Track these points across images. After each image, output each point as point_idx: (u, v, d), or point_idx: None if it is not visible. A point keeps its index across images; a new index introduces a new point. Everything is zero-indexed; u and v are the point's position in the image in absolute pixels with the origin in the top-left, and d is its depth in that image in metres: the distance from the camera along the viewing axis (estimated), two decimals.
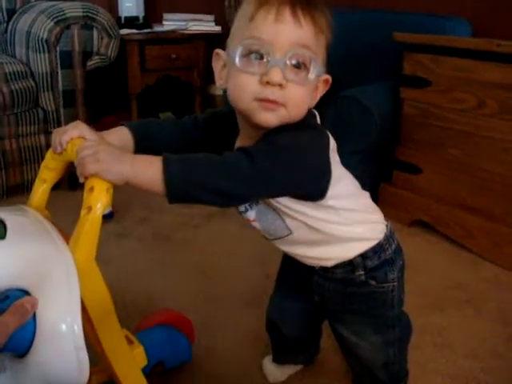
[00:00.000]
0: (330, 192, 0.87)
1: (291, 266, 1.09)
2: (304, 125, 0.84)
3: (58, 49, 2.15)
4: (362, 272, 0.97)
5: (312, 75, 0.80)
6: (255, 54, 0.78)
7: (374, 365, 1.11)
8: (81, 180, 0.73)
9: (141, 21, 2.87)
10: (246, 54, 0.79)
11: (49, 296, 0.68)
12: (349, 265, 0.97)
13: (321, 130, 0.87)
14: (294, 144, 0.80)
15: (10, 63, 2.14)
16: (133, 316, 1.36)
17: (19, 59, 2.25)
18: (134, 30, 2.76)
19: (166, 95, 3.09)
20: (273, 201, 0.88)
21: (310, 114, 0.86)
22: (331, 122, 2.10)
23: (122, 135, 0.89)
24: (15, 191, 2.23)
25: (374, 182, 2.18)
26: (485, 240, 1.85)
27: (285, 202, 0.87)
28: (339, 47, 2.56)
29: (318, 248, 0.96)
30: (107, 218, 2.08)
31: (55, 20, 2.11)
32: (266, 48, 0.77)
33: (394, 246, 1.01)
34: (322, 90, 0.88)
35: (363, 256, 0.97)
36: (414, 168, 2.04)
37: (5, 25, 2.43)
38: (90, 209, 0.71)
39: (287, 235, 0.93)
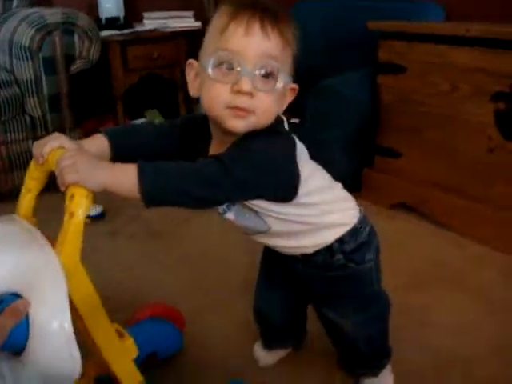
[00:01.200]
0: (301, 191, 0.93)
1: (272, 257, 1.15)
2: (273, 131, 0.89)
3: (40, 55, 2.19)
4: (341, 256, 1.04)
5: (280, 84, 0.85)
6: (226, 65, 0.83)
7: (358, 342, 1.18)
8: (61, 189, 0.78)
9: (121, 21, 2.89)
10: (218, 65, 0.84)
11: (39, 297, 0.73)
12: (328, 250, 1.03)
13: (288, 134, 0.93)
14: (265, 150, 0.86)
15: None
16: (126, 310, 1.42)
17: (3, 67, 2.28)
18: (116, 31, 2.79)
19: (149, 93, 3.12)
20: (248, 203, 0.93)
21: (277, 120, 0.92)
22: (311, 113, 2.16)
23: (99, 143, 0.94)
24: (7, 197, 2.27)
25: (356, 168, 2.24)
26: (465, 219, 1.91)
27: (259, 203, 0.93)
28: (318, 37, 2.62)
29: (298, 237, 1.02)
30: (99, 217, 2.13)
31: (36, 27, 2.14)
32: (236, 59, 0.82)
33: (368, 229, 1.07)
34: (289, 98, 0.93)
35: (340, 241, 1.03)
36: (394, 152, 2.10)
37: None
38: (72, 214, 0.76)
39: (266, 230, 0.99)
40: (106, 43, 2.59)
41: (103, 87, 2.80)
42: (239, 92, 0.82)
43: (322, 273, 1.07)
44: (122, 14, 2.94)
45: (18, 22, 2.22)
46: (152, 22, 2.99)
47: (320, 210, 1.00)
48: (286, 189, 0.92)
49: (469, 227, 1.91)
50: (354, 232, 1.04)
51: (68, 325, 0.72)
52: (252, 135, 0.87)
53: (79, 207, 0.76)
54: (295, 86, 0.92)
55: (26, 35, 2.14)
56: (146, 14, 3.03)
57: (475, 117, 1.81)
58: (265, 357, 1.34)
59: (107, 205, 2.18)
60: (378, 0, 2.42)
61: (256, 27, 0.82)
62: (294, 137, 0.94)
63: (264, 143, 0.86)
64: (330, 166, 2.15)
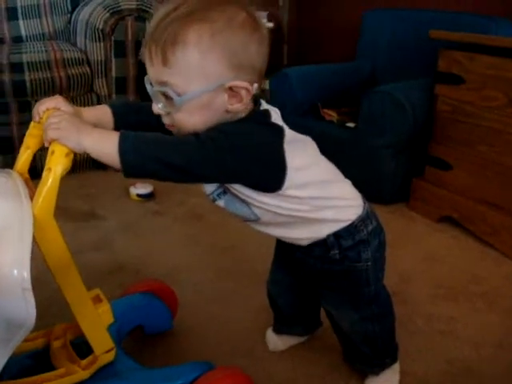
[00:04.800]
0: (289, 183, 0.92)
1: (280, 245, 1.17)
2: (251, 120, 0.91)
3: (112, 38, 2.31)
4: (337, 251, 1.03)
5: (177, 103, 0.85)
6: None
7: (356, 339, 1.18)
8: (46, 144, 0.82)
9: None
10: None
11: (5, 244, 0.75)
12: (324, 245, 1.03)
13: (270, 124, 0.91)
14: (238, 132, 0.87)
15: (69, 50, 2.33)
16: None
17: (79, 47, 2.43)
18: None
19: None
20: (236, 191, 0.93)
21: (259, 113, 0.92)
22: (365, 117, 2.16)
23: (101, 112, 0.98)
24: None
25: (406, 177, 2.21)
26: (509, 238, 1.85)
27: (247, 193, 0.93)
28: (385, 45, 2.61)
29: (289, 229, 1.02)
30: (148, 197, 2.22)
31: (111, 11, 2.27)
32: (148, 85, 0.90)
33: (370, 228, 1.05)
34: (245, 95, 0.88)
35: (337, 236, 1.02)
36: (446, 164, 2.06)
37: (69, 15, 2.63)
38: (50, 170, 0.79)
39: (256, 220, 1.00)
40: None
41: None
42: None
43: (318, 264, 1.06)
44: None
45: (96, 5, 2.36)
46: None
47: (313, 206, 0.98)
48: (263, 175, 0.90)
49: None
50: (351, 229, 1.02)
51: (27, 274, 0.74)
52: (229, 122, 0.89)
53: (57, 164, 0.79)
54: (235, 83, 0.86)
55: (100, 18, 2.27)
56: None
57: None
58: (275, 341, 1.36)
59: (158, 187, 2.27)
60: (447, 12, 2.39)
61: (147, 55, 0.86)
62: (284, 127, 0.93)
63: (239, 128, 0.88)
64: (379, 173, 2.17)
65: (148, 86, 0.89)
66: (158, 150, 0.82)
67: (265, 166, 0.89)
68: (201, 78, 0.84)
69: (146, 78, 0.90)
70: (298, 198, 0.95)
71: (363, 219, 1.04)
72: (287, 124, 0.96)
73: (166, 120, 0.90)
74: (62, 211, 2.04)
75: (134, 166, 0.81)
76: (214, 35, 0.83)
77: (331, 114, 2.43)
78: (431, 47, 2.11)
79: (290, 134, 0.93)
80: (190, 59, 0.83)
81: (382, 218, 1.12)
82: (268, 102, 0.98)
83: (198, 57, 0.83)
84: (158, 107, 0.88)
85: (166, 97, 0.86)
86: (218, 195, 0.98)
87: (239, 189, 0.92)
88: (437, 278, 1.73)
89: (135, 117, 1.00)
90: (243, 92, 0.87)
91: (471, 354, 1.38)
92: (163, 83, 0.85)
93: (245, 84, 0.86)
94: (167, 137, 0.86)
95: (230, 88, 0.86)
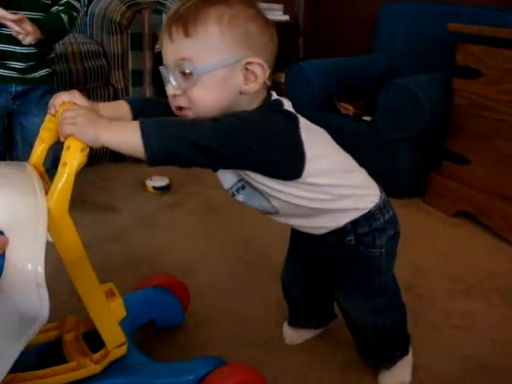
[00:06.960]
0: (308, 170, 0.92)
1: (294, 233, 1.18)
2: (265, 108, 0.91)
3: (129, 31, 2.33)
4: (352, 237, 1.04)
5: (195, 75, 0.85)
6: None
7: (365, 331, 1.19)
8: (61, 139, 0.82)
9: None
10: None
11: (20, 237, 0.75)
12: (340, 231, 1.04)
13: (284, 112, 0.91)
14: (254, 117, 0.88)
15: (86, 43, 2.34)
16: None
17: (95, 40, 2.44)
18: None
19: None
20: (255, 183, 0.94)
21: (272, 102, 0.92)
22: (382, 110, 2.15)
23: (119, 108, 0.97)
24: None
25: (422, 171, 2.20)
26: None
27: (267, 183, 0.93)
28: (402, 37, 2.60)
29: (308, 219, 1.03)
30: (164, 189, 2.23)
31: (128, 4, 2.29)
32: (164, 69, 0.90)
33: (387, 216, 1.06)
34: (260, 74, 0.88)
35: (354, 223, 1.03)
36: (463, 159, 2.05)
37: (85, 8, 2.63)
38: (65, 165, 0.78)
39: (275, 213, 1.01)
40: None
41: None
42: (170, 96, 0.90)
43: (332, 251, 1.08)
44: None
45: None
46: None
47: (332, 195, 0.99)
48: (280, 162, 0.90)
49: None
50: (368, 216, 1.03)
51: (41, 268, 0.74)
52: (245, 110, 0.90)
53: (72, 158, 0.78)
54: (252, 59, 0.87)
55: (117, 11, 2.29)
56: None
57: None
58: (290, 335, 1.37)
59: (174, 179, 2.28)
60: (465, 5, 2.36)
61: (166, 36, 0.87)
62: (298, 116, 0.93)
63: (255, 114, 0.89)
64: (396, 167, 2.16)
65: (163, 71, 0.90)
66: (180, 130, 0.82)
67: (283, 151, 0.89)
68: (218, 53, 0.86)
69: (160, 67, 0.91)
70: (318, 185, 0.96)
71: (380, 208, 1.05)
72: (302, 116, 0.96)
73: (181, 101, 0.89)
74: (79, 203, 2.08)
75: (157, 148, 0.80)
76: (232, 16, 0.86)
77: (347, 108, 2.43)
78: (449, 41, 2.10)
79: (304, 122, 0.94)
80: (210, 33, 0.85)
81: (397, 212, 1.12)
82: (283, 95, 0.98)
83: (218, 33, 0.85)
84: (173, 86, 0.88)
85: (184, 74, 0.86)
86: (236, 190, 0.99)
87: (259, 179, 0.93)
88: (452, 273, 1.72)
89: (154, 113, 0.97)
90: (258, 70, 0.88)
91: (487, 350, 1.37)
92: (181, 59, 0.86)
93: (261, 61, 0.87)
94: (188, 118, 0.87)
95: (246, 68, 0.87)
